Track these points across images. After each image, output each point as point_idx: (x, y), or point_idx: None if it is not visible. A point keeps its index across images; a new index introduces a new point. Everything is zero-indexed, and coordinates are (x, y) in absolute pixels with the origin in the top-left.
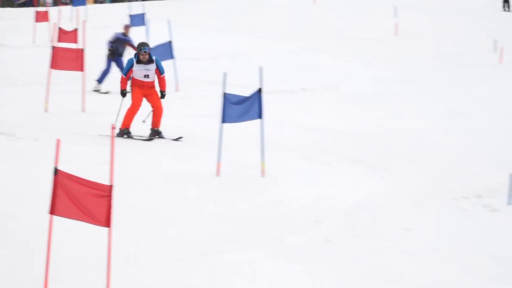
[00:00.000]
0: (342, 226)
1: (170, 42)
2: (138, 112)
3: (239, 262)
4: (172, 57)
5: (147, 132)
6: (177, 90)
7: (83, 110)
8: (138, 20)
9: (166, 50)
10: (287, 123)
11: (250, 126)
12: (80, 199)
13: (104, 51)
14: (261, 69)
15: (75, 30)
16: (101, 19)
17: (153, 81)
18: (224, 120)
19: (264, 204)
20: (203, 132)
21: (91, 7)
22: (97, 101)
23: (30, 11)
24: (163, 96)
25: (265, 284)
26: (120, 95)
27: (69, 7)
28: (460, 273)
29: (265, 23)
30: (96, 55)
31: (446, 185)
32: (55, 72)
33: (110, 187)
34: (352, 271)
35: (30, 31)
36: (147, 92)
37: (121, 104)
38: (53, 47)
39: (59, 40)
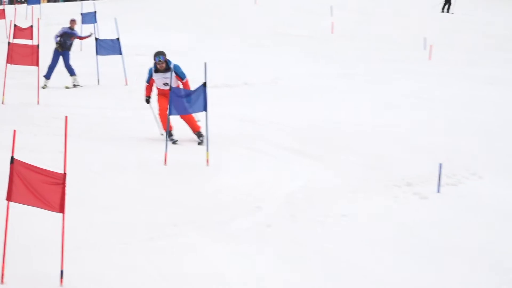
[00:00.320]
0: (281, 212)
1: (117, 38)
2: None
3: (183, 245)
4: (120, 53)
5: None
6: (126, 84)
7: (38, 102)
8: (89, 18)
9: (114, 46)
10: (230, 115)
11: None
12: (35, 186)
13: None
14: (205, 65)
15: (30, 27)
16: (55, 17)
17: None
18: (171, 113)
19: (208, 191)
20: (151, 124)
21: (45, 5)
22: (51, 94)
23: None
24: None
25: (208, 266)
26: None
27: (24, 5)
28: (391, 255)
29: (209, 22)
30: (50, 51)
31: (379, 174)
32: (11, 66)
33: (64, 175)
34: (291, 254)
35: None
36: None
37: (152, 110)
38: (9, 43)
39: (15, 37)
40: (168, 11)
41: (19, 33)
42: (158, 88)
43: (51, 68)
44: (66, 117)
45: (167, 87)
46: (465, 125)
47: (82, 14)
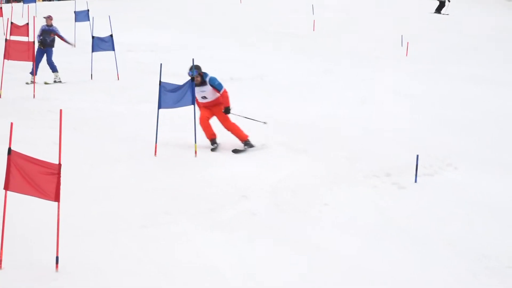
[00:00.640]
0: (266, 202)
1: (111, 35)
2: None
3: (175, 233)
4: (113, 49)
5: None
6: (117, 79)
7: (34, 96)
8: (82, 16)
9: (108, 43)
10: None
11: (184, 111)
12: (32, 176)
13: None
14: (193, 60)
15: (26, 24)
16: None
17: (213, 100)
18: (160, 106)
19: (197, 181)
20: (142, 117)
21: (40, 4)
22: (46, 89)
23: None
24: (226, 111)
25: (198, 252)
26: None
27: (20, 4)
28: (371, 243)
29: (197, 20)
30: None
31: (359, 165)
32: (8, 62)
33: (59, 165)
34: (274, 241)
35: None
36: (213, 111)
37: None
38: (6, 40)
39: (12, 34)
40: (159, 10)
41: (16, 30)
42: (198, 102)
43: (51, 63)
44: (60, 110)
45: (206, 100)
46: (441, 118)
47: (75, 12)
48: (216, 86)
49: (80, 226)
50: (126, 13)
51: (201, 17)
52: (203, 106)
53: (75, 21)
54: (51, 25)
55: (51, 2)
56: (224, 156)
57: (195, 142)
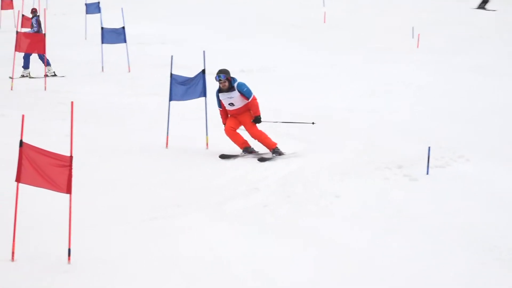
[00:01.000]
0: (277, 194)
1: (123, 28)
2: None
3: (185, 225)
4: (124, 41)
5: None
6: (129, 71)
7: (45, 89)
8: (93, 8)
9: (119, 35)
10: None
11: (195, 103)
12: (44, 168)
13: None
14: (204, 53)
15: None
16: (60, 7)
17: (241, 107)
18: (171, 98)
19: (208, 173)
20: (153, 109)
21: None
22: (58, 81)
23: None
24: (257, 120)
25: (208, 245)
26: None
27: None
28: (382, 235)
29: (207, 12)
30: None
31: (370, 157)
32: (19, 54)
33: (70, 157)
34: (285, 233)
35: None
36: (240, 119)
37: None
38: (17, 32)
39: (23, 26)
40: (169, 2)
41: (27, 22)
42: (226, 109)
43: (27, 58)
44: (72, 102)
45: (233, 108)
46: (452, 110)
47: (86, 4)
48: (245, 92)
49: (92, 218)
50: (136, 5)
51: (211, 10)
52: (230, 115)
53: (86, 13)
54: (33, 17)
55: None
56: (234, 148)
57: (207, 134)
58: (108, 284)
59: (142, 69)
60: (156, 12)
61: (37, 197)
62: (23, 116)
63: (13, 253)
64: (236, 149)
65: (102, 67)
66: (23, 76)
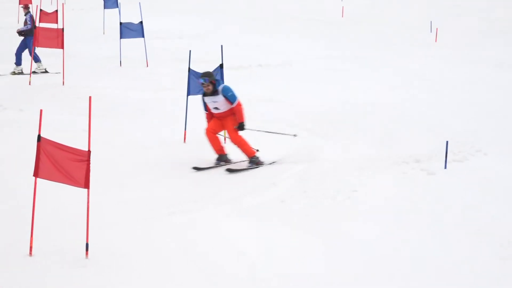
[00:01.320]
0: (294, 188)
1: (141, 22)
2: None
3: (203, 220)
4: (142, 36)
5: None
6: (147, 66)
7: (63, 83)
8: (111, 3)
9: (137, 29)
10: (246, 95)
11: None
12: (61, 163)
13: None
14: (222, 47)
15: (55, 11)
16: (78, 2)
17: (226, 111)
18: (189, 93)
19: (225, 168)
20: (171, 104)
21: None
22: (76, 75)
23: None
24: (240, 127)
25: (226, 240)
26: None
27: None
28: (400, 230)
29: (225, 7)
30: (74, 34)
31: (388, 151)
32: (38, 49)
33: (88, 152)
34: (301, 228)
35: (15, 13)
36: (224, 123)
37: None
38: (36, 27)
39: (41, 21)
40: None
41: (45, 17)
42: (211, 112)
43: (19, 54)
44: (90, 97)
45: (218, 111)
46: (470, 104)
47: None
48: (229, 97)
49: (109, 213)
50: (154, 0)
51: (229, 4)
52: (215, 118)
53: (104, 8)
54: (27, 13)
55: None
56: (252, 143)
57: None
58: (126, 278)
59: (160, 63)
60: (174, 7)
61: (55, 191)
62: (41, 111)
63: (31, 248)
64: (211, 159)
65: (120, 61)
66: (14, 73)
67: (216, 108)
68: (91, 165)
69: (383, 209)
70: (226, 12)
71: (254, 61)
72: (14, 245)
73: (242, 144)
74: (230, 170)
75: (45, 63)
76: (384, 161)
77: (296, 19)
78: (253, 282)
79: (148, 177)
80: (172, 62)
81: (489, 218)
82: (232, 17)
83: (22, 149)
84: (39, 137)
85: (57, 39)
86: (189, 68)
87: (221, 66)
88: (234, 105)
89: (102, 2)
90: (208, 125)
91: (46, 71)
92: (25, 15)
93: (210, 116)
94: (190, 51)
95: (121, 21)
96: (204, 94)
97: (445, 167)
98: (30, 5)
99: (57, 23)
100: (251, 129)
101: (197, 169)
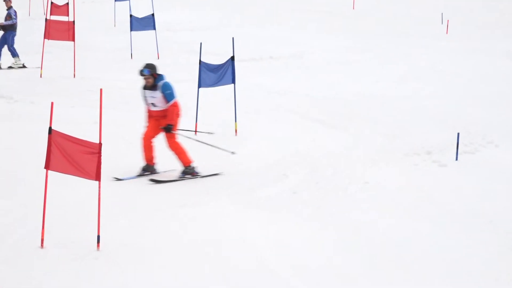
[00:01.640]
0: (307, 180)
1: (152, 14)
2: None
3: (215, 212)
4: (153, 28)
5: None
6: (158, 58)
7: (74, 76)
8: None
9: (149, 21)
10: (257, 87)
11: (224, 90)
12: (73, 155)
13: None
14: (233, 39)
15: (66, 4)
16: None
17: (164, 110)
18: (200, 85)
19: (237, 160)
20: (182, 96)
21: None
22: (87, 68)
23: None
24: (166, 129)
25: (237, 231)
26: None
27: None
28: (411, 222)
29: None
30: (85, 27)
31: (399, 143)
32: (48, 42)
33: (99, 145)
34: (313, 219)
35: (26, 5)
36: (158, 124)
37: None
38: (47, 20)
39: (52, 13)
40: None
41: (56, 10)
42: (148, 109)
43: None
44: (101, 90)
45: (154, 108)
46: (481, 96)
47: None
48: (167, 95)
49: (121, 205)
50: None
51: None
52: (150, 116)
53: (115, 0)
54: (8, 8)
55: None
56: (264, 134)
57: (236, 121)
58: (138, 270)
59: (171, 56)
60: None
61: (66, 184)
62: (52, 103)
63: (42, 240)
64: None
65: (131, 54)
66: (10, 67)
67: (153, 104)
68: (102, 157)
69: (395, 200)
70: (237, 4)
71: (266, 53)
72: (26, 238)
73: (179, 152)
74: (154, 181)
75: (55, 56)
76: (396, 152)
77: (307, 11)
78: (265, 274)
79: (159, 168)
80: (183, 55)
81: (500, 209)
82: (243, 9)
83: (33, 141)
84: (50, 129)
85: (68, 31)
86: (200, 60)
87: (232, 58)
88: (169, 104)
89: None
90: (145, 130)
91: (24, 66)
92: (7, 9)
93: (149, 115)
94: (201, 43)
95: (131, 14)
96: (144, 87)
97: (456, 159)
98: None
99: (68, 15)
100: (180, 134)
101: (156, 181)
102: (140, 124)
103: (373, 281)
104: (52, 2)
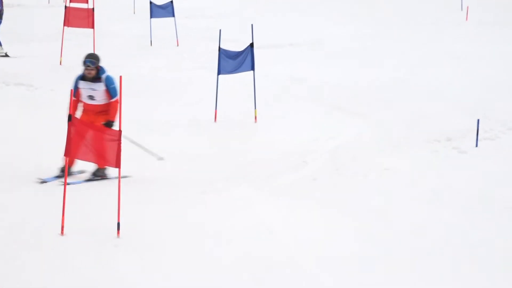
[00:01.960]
0: (326, 167)
1: (171, 1)
2: None
3: (234, 199)
4: (173, 15)
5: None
6: (177, 45)
7: None
8: None
9: (168, 8)
10: (276, 74)
11: (243, 77)
12: (92, 143)
13: None
14: (252, 26)
15: None
16: None
17: (101, 105)
18: (219, 72)
19: (256, 147)
20: (201, 83)
21: None
22: (106, 55)
23: None
24: (107, 125)
25: (256, 218)
26: None
27: None
28: (432, 208)
29: None
30: (104, 14)
31: (419, 129)
32: (68, 29)
33: (119, 132)
34: (333, 205)
35: None
36: (94, 119)
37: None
38: (66, 7)
39: (71, 1)
40: None
41: None
42: (81, 101)
43: None
44: (120, 77)
45: (92, 101)
46: (501, 82)
47: None
48: (111, 89)
49: (140, 192)
50: None
51: None
52: (84, 110)
53: None
54: None
55: None
56: (283, 121)
57: (255, 108)
58: (158, 257)
59: (190, 43)
60: None
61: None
62: (71, 90)
63: (62, 227)
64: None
65: (151, 41)
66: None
67: (91, 97)
68: (122, 144)
69: (415, 187)
70: None
71: (285, 40)
72: (46, 225)
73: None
74: (61, 182)
75: (75, 43)
76: (416, 139)
77: None
78: (286, 263)
79: (178, 156)
80: (202, 41)
81: None
82: None
83: (53, 129)
84: (70, 117)
85: (87, 19)
86: (219, 47)
87: (252, 45)
88: (114, 99)
89: None
90: None
91: (6, 55)
92: None
93: (75, 104)
94: (220, 30)
95: (151, 1)
96: (82, 78)
97: (476, 145)
98: None
99: (87, 3)
100: (125, 138)
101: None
102: (160, 111)
103: (396, 271)
104: None
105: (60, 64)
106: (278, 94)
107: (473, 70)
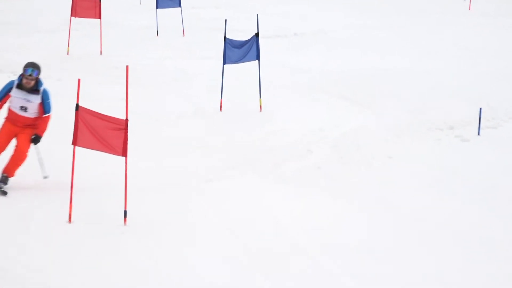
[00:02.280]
0: (331, 155)
1: None
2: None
3: (240, 187)
4: (179, 5)
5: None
6: (183, 35)
7: (100, 53)
8: None
9: None
10: (281, 64)
11: (248, 67)
12: (99, 132)
13: None
14: (257, 16)
15: None
16: None
17: (33, 119)
18: (225, 62)
19: (262, 136)
20: (207, 73)
21: None
22: (113, 45)
23: None
24: (34, 140)
25: (262, 205)
26: None
27: None
28: (435, 196)
29: None
30: (111, 5)
31: (422, 118)
32: (75, 19)
33: (126, 121)
34: (337, 193)
35: None
36: (19, 131)
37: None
38: None
39: None
40: None
41: None
42: (9, 109)
43: None
44: (127, 66)
45: (24, 113)
46: (504, 71)
47: None
48: (46, 104)
49: (147, 181)
50: None
51: None
52: (11, 120)
53: None
54: None
55: None
56: (288, 110)
57: (260, 97)
58: (164, 245)
59: (196, 33)
60: None
61: (93, 160)
62: (79, 80)
63: (70, 215)
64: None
65: (157, 31)
66: None
67: (23, 108)
68: (128, 133)
69: (419, 175)
70: None
71: (290, 30)
72: (54, 213)
73: (20, 162)
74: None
75: (82, 33)
76: (419, 128)
77: None
78: (292, 250)
79: (184, 144)
80: (208, 31)
81: None
82: None
83: (60, 118)
84: (77, 106)
85: (94, 9)
86: (225, 37)
87: (257, 35)
88: (47, 114)
89: None
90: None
91: None
92: None
93: (11, 118)
94: (226, 20)
95: None
96: (19, 86)
97: (479, 134)
98: None
99: None
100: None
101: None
102: (167, 101)
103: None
104: None
105: (67, 54)
106: (283, 83)
107: (475, 60)
